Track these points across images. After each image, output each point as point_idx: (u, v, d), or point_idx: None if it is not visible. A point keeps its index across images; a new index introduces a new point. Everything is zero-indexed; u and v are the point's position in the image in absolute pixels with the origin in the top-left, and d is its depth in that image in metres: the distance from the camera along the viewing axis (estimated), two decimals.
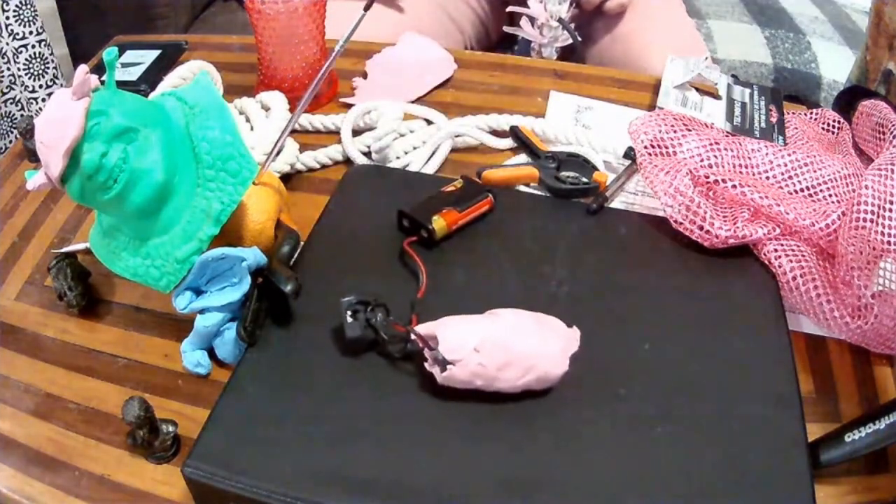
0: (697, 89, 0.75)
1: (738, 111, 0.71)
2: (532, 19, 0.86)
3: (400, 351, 0.44)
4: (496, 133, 0.71)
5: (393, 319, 0.44)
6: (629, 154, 0.65)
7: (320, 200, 0.58)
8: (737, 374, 0.45)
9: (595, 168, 0.63)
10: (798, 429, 0.42)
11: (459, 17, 0.99)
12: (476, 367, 0.41)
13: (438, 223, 0.52)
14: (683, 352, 0.46)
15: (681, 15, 1.00)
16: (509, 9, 0.87)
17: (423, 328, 0.43)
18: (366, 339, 0.44)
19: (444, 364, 0.41)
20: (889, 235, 0.48)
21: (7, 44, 1.02)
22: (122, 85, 0.46)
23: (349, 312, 0.44)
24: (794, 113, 0.71)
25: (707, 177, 0.55)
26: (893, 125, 0.61)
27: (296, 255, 0.51)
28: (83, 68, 0.42)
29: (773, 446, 0.41)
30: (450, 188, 0.56)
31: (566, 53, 0.88)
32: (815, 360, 0.52)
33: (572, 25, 0.84)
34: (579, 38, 0.85)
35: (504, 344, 0.41)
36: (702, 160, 0.58)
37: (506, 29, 0.90)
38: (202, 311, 0.48)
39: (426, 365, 0.43)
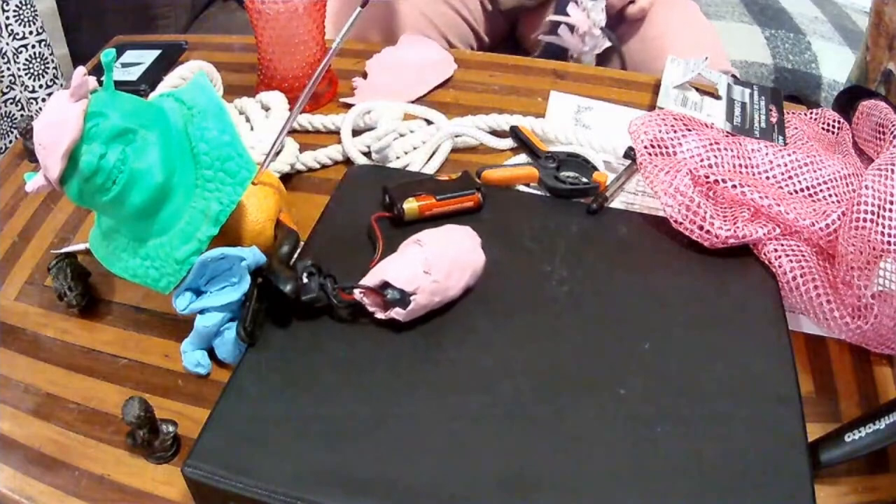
0: (697, 89, 0.75)
1: (738, 111, 0.71)
2: (572, 28, 0.85)
3: (349, 313, 0.46)
4: (496, 133, 0.71)
5: (339, 286, 0.46)
6: (629, 154, 0.65)
7: (320, 200, 0.58)
8: (737, 374, 0.45)
9: (595, 168, 0.63)
10: (798, 429, 0.41)
11: (442, 23, 0.98)
12: (432, 286, 0.45)
13: (410, 205, 0.53)
14: (683, 351, 0.46)
15: (699, 16, 1.00)
16: (550, 17, 0.87)
17: (365, 282, 0.45)
18: (320, 300, 0.46)
19: (403, 300, 0.44)
20: (889, 235, 0.48)
21: (7, 44, 1.02)
22: (122, 85, 0.46)
23: (305, 274, 0.46)
24: (794, 113, 0.71)
25: (707, 177, 0.55)
26: (893, 125, 0.61)
27: (296, 255, 0.51)
28: (81, 70, 0.42)
29: (773, 446, 0.41)
30: (444, 177, 0.57)
31: (600, 61, 0.89)
32: (815, 360, 0.52)
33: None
34: (619, 43, 0.85)
35: (441, 256, 0.46)
36: (702, 160, 0.58)
37: (543, 38, 0.89)
38: (202, 312, 0.48)
39: (379, 315, 0.45)
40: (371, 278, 0.46)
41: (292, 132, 0.70)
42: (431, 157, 0.68)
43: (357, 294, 0.46)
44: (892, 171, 0.50)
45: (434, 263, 0.45)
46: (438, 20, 0.97)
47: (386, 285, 0.45)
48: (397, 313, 0.45)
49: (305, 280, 0.46)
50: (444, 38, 0.99)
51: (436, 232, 0.49)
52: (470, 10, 1.00)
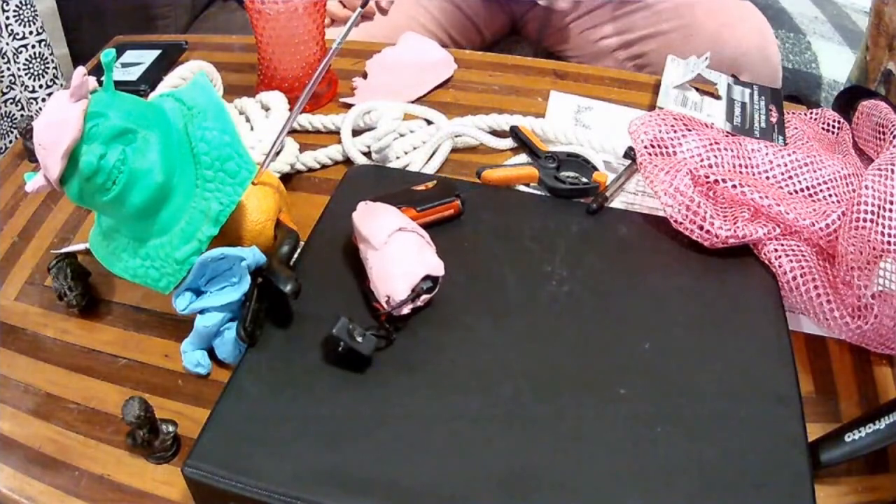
0: (697, 89, 0.75)
1: (738, 111, 0.71)
2: None
3: (388, 340, 0.46)
4: (496, 133, 0.71)
5: (383, 312, 0.46)
6: (629, 154, 0.65)
7: (320, 200, 0.58)
8: (737, 374, 0.45)
9: (595, 168, 0.63)
10: (798, 429, 0.41)
11: (442, 16, 0.98)
12: (428, 252, 0.47)
13: None
14: (683, 352, 0.46)
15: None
16: None
17: (400, 293, 0.45)
18: (380, 345, 0.45)
19: (435, 285, 0.46)
20: (889, 235, 0.48)
21: (7, 44, 1.02)
22: (122, 85, 0.46)
23: (357, 335, 0.43)
24: (794, 113, 0.71)
25: (707, 177, 0.55)
26: (893, 125, 0.61)
27: (296, 255, 0.51)
28: (81, 70, 0.42)
29: (773, 446, 0.41)
30: (421, 187, 0.56)
31: None
32: (815, 360, 0.52)
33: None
34: None
35: (415, 225, 0.49)
36: (702, 160, 0.58)
37: None
38: (202, 311, 0.48)
39: (406, 310, 0.46)
40: (401, 283, 0.45)
41: (292, 132, 0.70)
42: (431, 157, 0.68)
43: (398, 309, 0.45)
44: (892, 171, 0.50)
45: (424, 234, 0.48)
46: (438, 12, 0.97)
47: (426, 278, 0.46)
48: (424, 300, 0.47)
49: (360, 340, 0.43)
50: (443, 31, 0.98)
51: (382, 211, 0.49)
52: (469, 2, 1.00)
